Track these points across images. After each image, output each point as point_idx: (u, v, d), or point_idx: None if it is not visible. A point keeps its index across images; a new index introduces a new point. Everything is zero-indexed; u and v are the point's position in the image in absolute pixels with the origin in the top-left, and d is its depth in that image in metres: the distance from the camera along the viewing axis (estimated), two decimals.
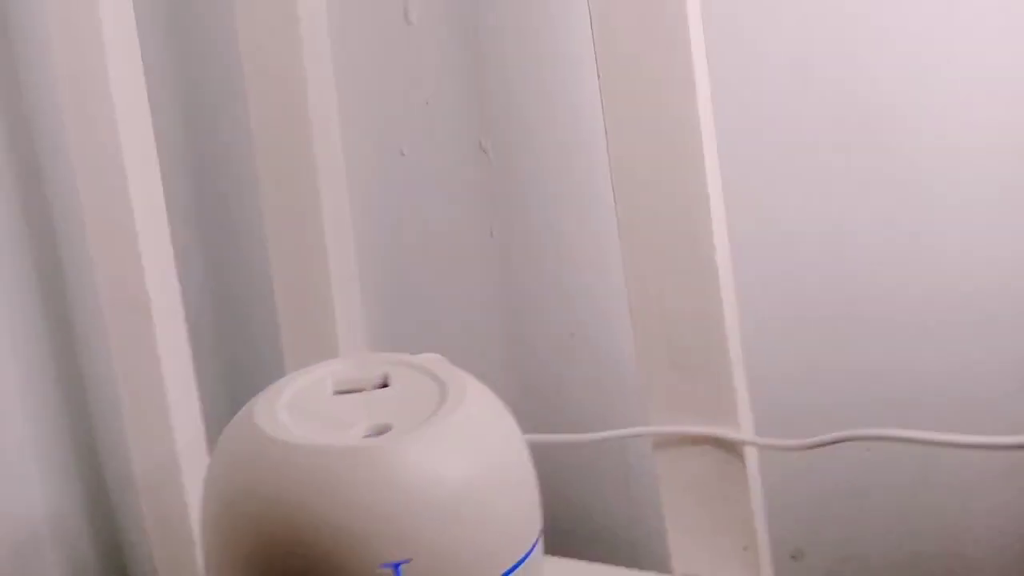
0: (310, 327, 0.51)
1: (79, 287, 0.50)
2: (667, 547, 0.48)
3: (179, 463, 0.47)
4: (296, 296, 0.51)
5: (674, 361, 0.45)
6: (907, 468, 0.53)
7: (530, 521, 0.36)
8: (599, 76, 0.43)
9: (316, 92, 0.49)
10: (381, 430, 0.34)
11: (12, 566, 0.45)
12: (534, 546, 0.36)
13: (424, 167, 0.57)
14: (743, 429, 0.46)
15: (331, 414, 0.35)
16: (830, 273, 0.51)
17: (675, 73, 0.42)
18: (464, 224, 0.57)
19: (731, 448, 0.46)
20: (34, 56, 0.47)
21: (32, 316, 0.48)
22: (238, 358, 0.58)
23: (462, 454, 0.34)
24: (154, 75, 0.46)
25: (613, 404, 0.57)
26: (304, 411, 0.35)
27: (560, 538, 0.49)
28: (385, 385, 0.37)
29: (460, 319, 0.58)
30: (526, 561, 0.36)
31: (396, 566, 0.31)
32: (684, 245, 0.43)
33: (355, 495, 0.32)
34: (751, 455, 0.47)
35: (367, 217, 0.55)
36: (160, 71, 0.51)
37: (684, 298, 0.44)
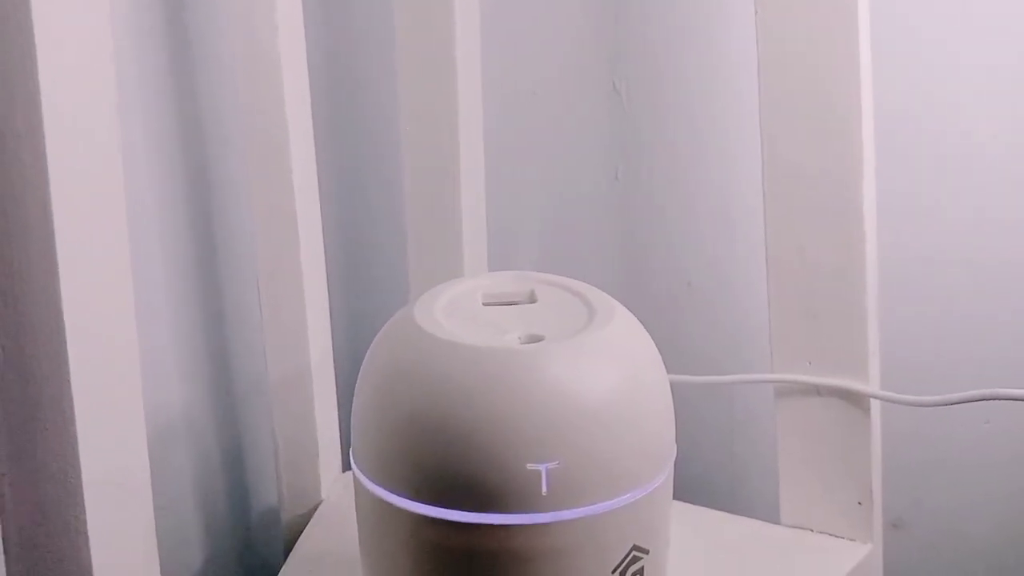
0: (437, 255, 0.52)
1: (225, 199, 0.52)
2: (772, 498, 0.48)
3: (311, 375, 0.49)
4: (425, 225, 0.52)
5: (808, 309, 0.45)
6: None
7: (668, 443, 0.37)
8: (756, 17, 0.43)
9: (463, 28, 0.50)
10: (535, 338, 0.35)
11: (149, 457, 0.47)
12: (670, 470, 0.37)
13: (555, 106, 0.57)
14: (872, 382, 0.45)
15: (486, 321, 0.36)
16: (971, 243, 0.51)
17: (838, 22, 0.42)
18: (590, 165, 0.57)
19: (857, 401, 0.46)
20: None
21: (179, 227, 0.50)
22: (361, 280, 0.60)
23: (613, 367, 0.35)
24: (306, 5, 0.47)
25: (726, 353, 0.57)
26: (460, 316, 0.36)
27: None
28: (532, 301, 0.38)
29: (579, 259, 0.59)
30: (662, 482, 0.36)
31: (544, 466, 0.32)
32: (832, 193, 0.43)
33: (511, 395, 0.33)
34: (876, 409, 0.46)
35: (496, 152, 0.55)
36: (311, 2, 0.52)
37: (826, 247, 0.44)
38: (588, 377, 0.34)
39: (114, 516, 0.33)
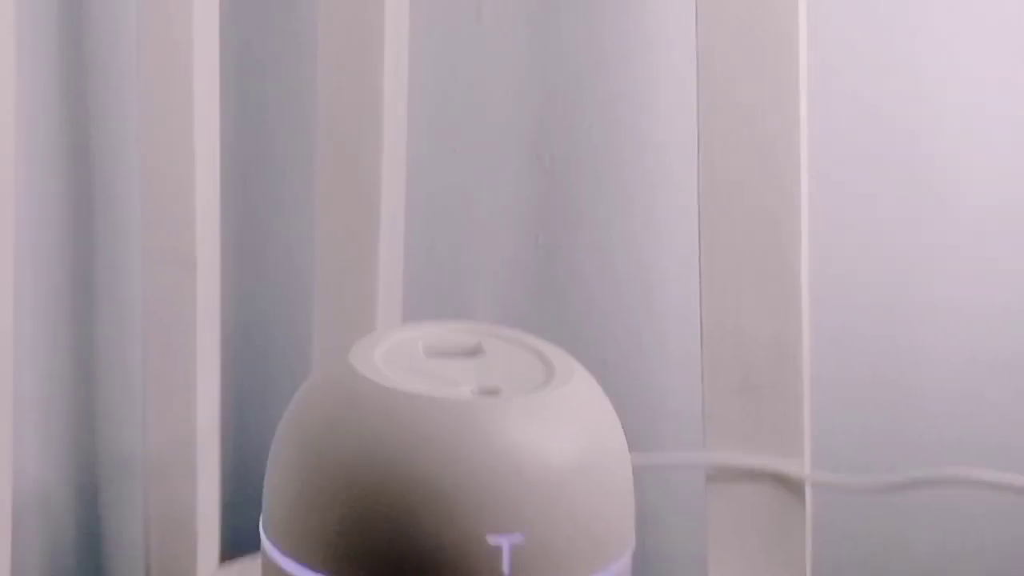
0: (347, 316, 0.48)
1: (109, 246, 0.46)
2: None
3: (196, 446, 0.43)
4: (336, 283, 0.48)
5: (743, 385, 0.43)
6: (972, 526, 0.51)
7: (631, 516, 0.33)
8: (698, 90, 0.43)
9: (391, 84, 0.47)
10: (491, 391, 0.31)
11: None
12: (632, 547, 0.33)
13: (476, 168, 0.55)
14: (808, 464, 0.44)
15: (432, 371, 0.32)
16: (908, 317, 0.51)
17: (779, 94, 0.42)
18: (510, 228, 0.55)
19: (792, 484, 0.44)
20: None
21: (56, 278, 0.44)
22: (257, 339, 0.55)
23: (580, 428, 0.31)
24: (223, 50, 0.44)
25: (643, 431, 0.55)
26: (403, 366, 0.32)
27: None
28: (480, 352, 0.34)
29: (494, 323, 0.56)
30: (625, 559, 0.32)
31: (506, 540, 0.28)
32: (771, 266, 0.43)
33: (470, 453, 0.29)
34: (812, 493, 0.45)
35: (414, 210, 0.53)
36: (228, 43, 0.48)
37: (763, 321, 0.43)
38: (556, 435, 0.30)
39: None
